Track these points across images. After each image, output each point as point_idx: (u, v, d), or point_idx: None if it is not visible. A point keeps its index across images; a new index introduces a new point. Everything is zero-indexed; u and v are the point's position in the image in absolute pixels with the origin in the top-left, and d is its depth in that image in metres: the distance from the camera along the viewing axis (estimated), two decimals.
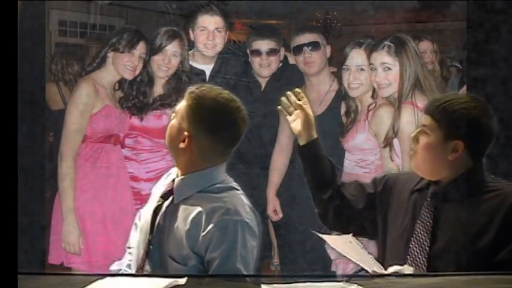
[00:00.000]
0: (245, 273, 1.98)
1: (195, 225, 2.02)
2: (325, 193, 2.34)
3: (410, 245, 2.07)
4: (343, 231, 2.27)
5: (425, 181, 2.16)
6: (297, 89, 2.36)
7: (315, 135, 2.35)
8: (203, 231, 2.00)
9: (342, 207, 2.32)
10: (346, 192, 2.34)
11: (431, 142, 2.09)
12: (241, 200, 2.10)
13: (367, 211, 2.28)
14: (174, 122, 2.14)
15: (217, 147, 2.12)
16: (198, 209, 2.04)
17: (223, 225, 1.99)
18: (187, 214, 2.06)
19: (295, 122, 2.35)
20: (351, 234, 2.02)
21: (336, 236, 2.14)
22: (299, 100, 2.33)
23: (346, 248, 2.06)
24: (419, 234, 2.06)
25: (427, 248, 2.04)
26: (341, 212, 2.32)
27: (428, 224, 2.06)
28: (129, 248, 2.32)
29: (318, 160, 2.35)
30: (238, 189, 2.15)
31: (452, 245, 2.01)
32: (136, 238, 2.24)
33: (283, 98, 2.37)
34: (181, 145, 2.09)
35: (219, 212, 2.01)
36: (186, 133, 2.09)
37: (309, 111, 2.34)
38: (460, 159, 2.09)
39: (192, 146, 2.09)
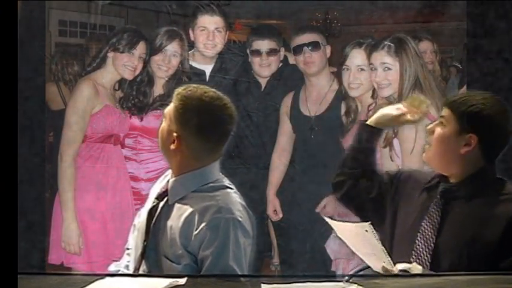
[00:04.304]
0: (238, 270, 2.00)
1: (188, 224, 2.04)
2: (351, 169, 2.36)
3: (416, 241, 2.07)
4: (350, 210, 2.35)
5: (436, 179, 2.16)
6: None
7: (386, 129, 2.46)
8: (196, 230, 2.01)
9: (355, 190, 2.33)
10: (363, 177, 2.34)
11: (446, 133, 2.10)
12: (234, 198, 2.11)
13: (376, 201, 2.28)
14: (163, 124, 2.16)
15: (206, 146, 2.13)
16: (191, 208, 2.06)
17: (215, 223, 2.00)
18: (180, 214, 2.07)
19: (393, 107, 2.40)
20: (368, 223, 1.97)
21: (349, 224, 2.09)
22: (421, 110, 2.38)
23: (356, 239, 2.01)
24: (426, 231, 2.06)
25: (432, 245, 2.04)
26: (353, 194, 2.33)
27: (435, 221, 2.07)
28: (128, 249, 2.33)
29: (373, 145, 2.40)
30: (231, 188, 2.16)
31: (458, 243, 2.01)
32: (134, 239, 2.25)
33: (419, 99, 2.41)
34: (172, 147, 2.11)
35: (212, 211, 2.02)
36: (175, 134, 2.10)
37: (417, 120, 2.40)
38: (472, 156, 2.08)
39: (182, 147, 2.10)
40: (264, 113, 3.64)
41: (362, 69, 3.27)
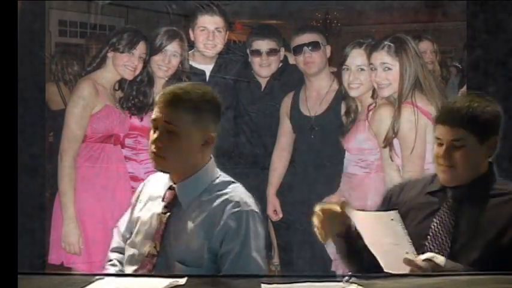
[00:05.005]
0: (260, 261, 2.06)
1: (207, 223, 2.06)
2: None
3: (426, 244, 2.07)
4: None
5: (439, 184, 2.16)
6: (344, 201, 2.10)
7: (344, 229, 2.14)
8: (217, 227, 2.04)
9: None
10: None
11: (469, 151, 2.08)
12: (244, 191, 2.16)
13: None
14: (180, 130, 2.09)
15: (216, 138, 2.19)
16: (208, 207, 2.09)
17: (237, 217, 2.05)
18: (196, 215, 2.09)
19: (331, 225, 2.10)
20: (395, 211, 1.95)
21: (373, 213, 2.06)
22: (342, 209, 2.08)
23: (377, 230, 1.98)
24: (438, 234, 2.06)
25: (448, 249, 2.04)
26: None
27: (449, 225, 2.06)
28: (110, 260, 2.31)
29: (355, 245, 2.17)
30: (236, 182, 2.19)
31: (474, 244, 2.02)
32: (129, 252, 2.21)
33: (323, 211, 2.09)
34: (204, 148, 2.13)
35: (230, 206, 2.07)
36: (212, 134, 2.13)
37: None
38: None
39: (212, 144, 2.15)
40: (264, 113, 3.64)
41: (362, 69, 3.27)
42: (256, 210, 2.12)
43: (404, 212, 2.16)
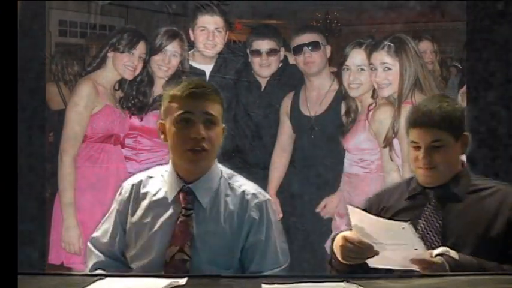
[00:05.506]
0: (279, 247, 2.11)
1: (232, 219, 2.07)
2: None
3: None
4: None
5: (419, 186, 2.17)
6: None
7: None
8: (242, 221, 2.06)
9: None
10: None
11: (448, 150, 2.11)
12: (249, 181, 2.18)
13: None
14: (219, 120, 2.10)
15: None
16: (228, 203, 2.09)
17: (258, 208, 2.08)
18: (218, 212, 2.08)
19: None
20: (408, 222, 1.92)
21: (381, 220, 2.00)
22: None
23: (386, 234, 1.95)
24: (427, 235, 2.06)
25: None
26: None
27: (437, 225, 2.07)
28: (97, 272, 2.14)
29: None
30: (236, 173, 2.21)
31: (465, 241, 2.03)
32: (136, 264, 2.13)
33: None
34: (220, 141, 2.14)
35: (248, 197, 2.09)
36: (223, 126, 2.14)
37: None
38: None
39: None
40: (264, 113, 3.64)
41: (362, 69, 3.27)
42: (270, 198, 2.17)
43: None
